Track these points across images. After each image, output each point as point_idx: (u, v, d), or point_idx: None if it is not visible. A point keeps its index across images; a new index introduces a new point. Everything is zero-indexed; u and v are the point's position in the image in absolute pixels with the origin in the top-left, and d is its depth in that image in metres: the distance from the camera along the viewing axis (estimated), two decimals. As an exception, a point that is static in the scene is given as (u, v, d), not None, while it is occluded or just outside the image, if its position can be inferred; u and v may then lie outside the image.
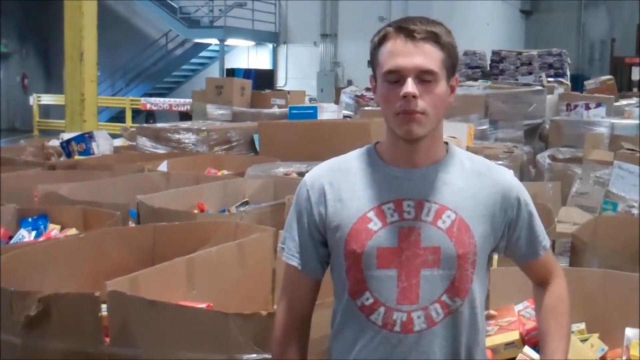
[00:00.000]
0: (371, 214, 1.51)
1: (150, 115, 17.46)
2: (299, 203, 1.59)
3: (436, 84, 1.47)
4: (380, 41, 1.50)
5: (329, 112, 8.08)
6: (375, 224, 1.50)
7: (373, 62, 1.52)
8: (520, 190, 1.59)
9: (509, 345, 2.21)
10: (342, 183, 1.55)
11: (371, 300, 1.50)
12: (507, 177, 1.59)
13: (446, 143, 1.58)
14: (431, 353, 1.49)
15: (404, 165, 1.53)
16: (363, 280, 1.50)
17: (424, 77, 1.45)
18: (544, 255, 1.64)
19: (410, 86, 1.44)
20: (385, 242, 1.49)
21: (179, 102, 16.19)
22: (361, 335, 1.52)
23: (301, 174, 4.80)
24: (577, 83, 12.24)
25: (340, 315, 1.56)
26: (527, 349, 2.18)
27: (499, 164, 5.76)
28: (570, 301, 1.67)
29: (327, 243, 1.57)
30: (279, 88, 16.98)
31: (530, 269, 1.67)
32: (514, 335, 2.21)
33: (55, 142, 6.78)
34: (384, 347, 1.50)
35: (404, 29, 1.47)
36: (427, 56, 1.45)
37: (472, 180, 1.54)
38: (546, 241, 1.64)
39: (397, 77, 1.46)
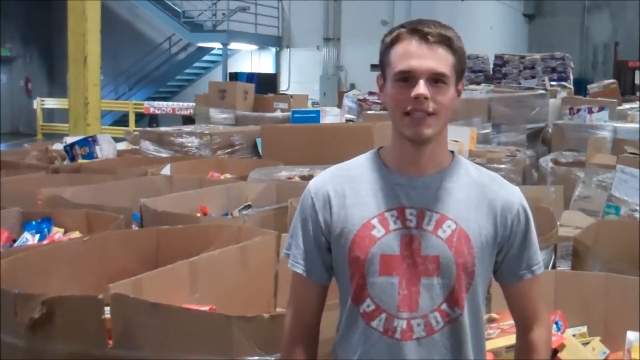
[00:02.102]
0: (375, 221, 1.51)
1: (153, 119, 17.48)
2: (303, 210, 1.59)
3: (446, 88, 1.47)
4: (392, 41, 1.50)
5: (331, 116, 8.10)
6: (378, 231, 1.50)
7: (383, 62, 1.52)
8: (522, 207, 1.56)
9: (510, 348, 2.20)
10: (347, 189, 1.55)
11: (372, 307, 1.50)
12: (510, 191, 1.57)
13: (452, 152, 1.58)
14: None
15: (408, 172, 1.53)
16: (365, 287, 1.51)
17: (435, 79, 1.46)
18: (528, 283, 1.58)
19: (422, 88, 1.44)
20: (388, 249, 1.50)
21: (182, 106, 16.21)
22: (363, 341, 1.52)
23: (304, 178, 4.80)
24: (580, 87, 12.24)
25: (343, 320, 1.57)
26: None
27: (502, 168, 5.70)
28: (548, 352, 1.60)
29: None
30: (281, 92, 17.01)
31: (513, 299, 1.61)
32: (516, 339, 2.21)
33: (58, 146, 6.79)
34: (384, 353, 1.50)
35: (418, 31, 1.47)
36: (440, 59, 1.46)
37: (474, 191, 1.54)
38: (536, 267, 1.58)
39: (408, 77, 1.46)
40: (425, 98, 1.44)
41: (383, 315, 1.50)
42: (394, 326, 1.49)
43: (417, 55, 1.46)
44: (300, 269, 1.58)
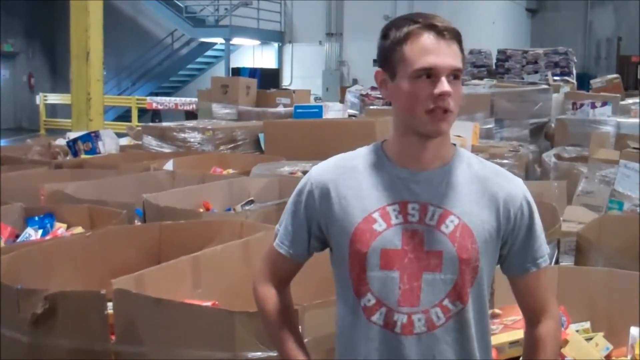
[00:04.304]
0: (376, 215, 1.50)
1: (156, 115, 17.50)
2: (299, 194, 1.59)
3: (459, 83, 1.48)
4: (405, 37, 1.47)
5: (334, 111, 8.11)
6: (380, 225, 1.49)
7: (394, 58, 1.48)
8: (526, 200, 1.54)
9: (514, 344, 2.21)
10: (348, 181, 1.54)
11: (373, 302, 1.50)
12: (513, 184, 1.55)
13: (454, 145, 1.57)
14: (431, 356, 1.49)
15: (411, 166, 1.52)
16: (365, 281, 1.50)
17: (454, 76, 1.46)
18: (535, 276, 1.57)
19: (446, 85, 1.44)
20: (389, 243, 1.49)
21: (185, 101, 16.22)
22: (363, 335, 1.51)
23: (306, 173, 4.80)
24: (583, 82, 12.19)
25: (343, 314, 1.56)
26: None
27: (505, 163, 5.68)
28: (557, 345, 1.60)
29: (326, 240, 1.58)
30: (284, 87, 16.99)
31: (520, 293, 1.60)
32: (519, 334, 2.21)
33: (61, 141, 6.81)
34: (385, 348, 1.49)
35: (434, 26, 1.46)
36: (456, 55, 1.46)
37: (477, 185, 1.52)
38: (542, 260, 1.56)
39: (430, 74, 1.45)
40: (449, 95, 1.44)
41: (383, 310, 1.49)
42: (394, 320, 1.48)
43: (437, 52, 1.44)
44: (283, 250, 1.61)
